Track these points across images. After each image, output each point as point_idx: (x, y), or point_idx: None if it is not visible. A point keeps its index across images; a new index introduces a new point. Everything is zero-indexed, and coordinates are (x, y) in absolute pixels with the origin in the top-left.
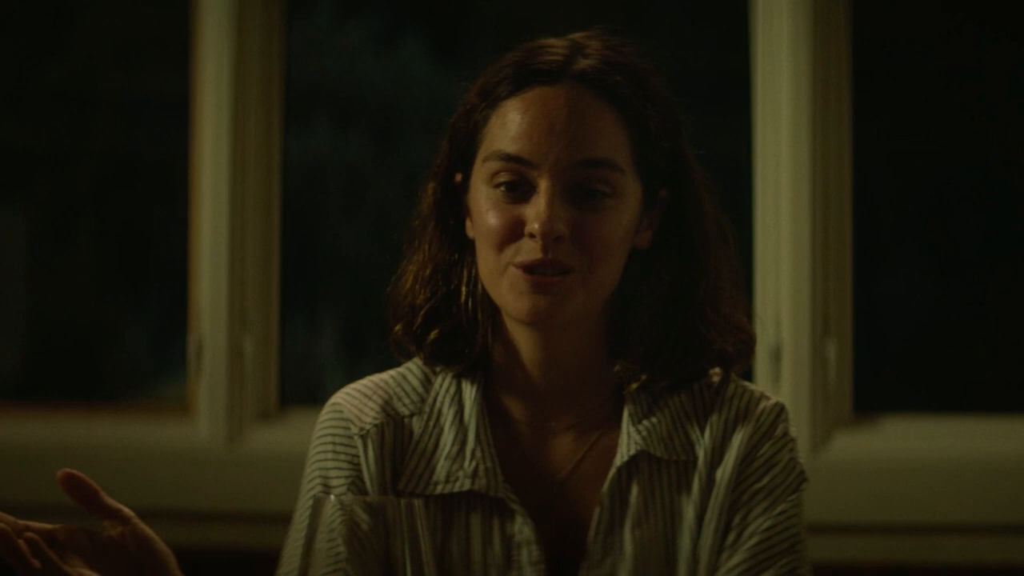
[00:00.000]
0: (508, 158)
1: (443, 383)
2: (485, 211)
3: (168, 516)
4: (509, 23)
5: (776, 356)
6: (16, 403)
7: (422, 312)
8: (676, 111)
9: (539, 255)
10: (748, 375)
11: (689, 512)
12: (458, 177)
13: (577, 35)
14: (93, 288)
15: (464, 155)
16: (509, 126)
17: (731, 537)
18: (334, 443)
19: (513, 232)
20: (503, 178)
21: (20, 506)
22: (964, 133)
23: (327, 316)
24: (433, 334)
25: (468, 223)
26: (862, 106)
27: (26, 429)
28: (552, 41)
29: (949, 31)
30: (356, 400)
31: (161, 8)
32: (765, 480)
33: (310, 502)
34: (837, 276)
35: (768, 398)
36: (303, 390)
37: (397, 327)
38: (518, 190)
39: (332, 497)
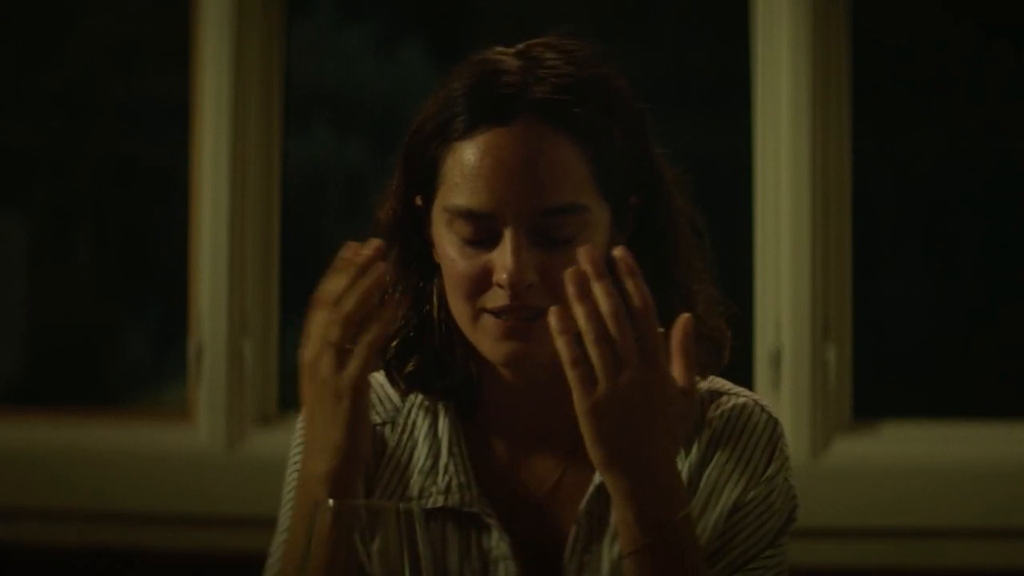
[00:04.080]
0: (469, 214)
1: (419, 394)
2: (451, 257)
3: (168, 520)
4: (510, 27)
5: (776, 360)
6: (16, 407)
7: (395, 342)
8: (640, 115)
9: (508, 301)
10: (748, 380)
11: None
12: (419, 200)
13: (533, 42)
14: (93, 291)
15: (423, 185)
16: (465, 174)
17: (728, 559)
18: None
19: (481, 281)
20: (465, 233)
21: (20, 510)
22: (964, 133)
23: None
24: (410, 365)
25: (435, 250)
26: (862, 106)
27: (26, 433)
28: (505, 59)
29: (949, 31)
30: None
31: (161, 10)
32: (762, 516)
33: (290, 510)
34: (837, 279)
35: (762, 410)
36: None
37: None
38: (481, 238)
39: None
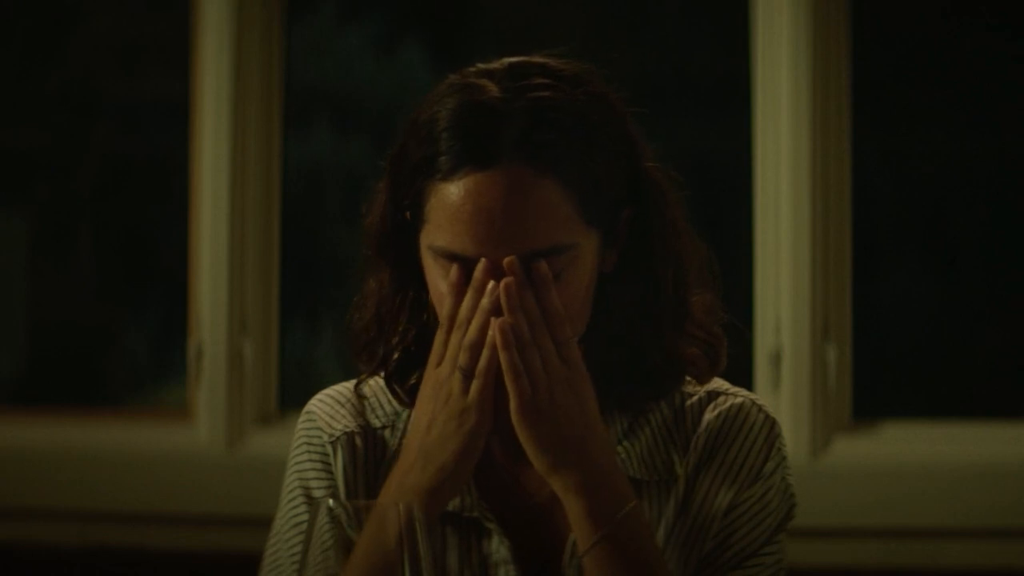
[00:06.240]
0: (453, 257)
1: None
2: (441, 291)
3: (168, 520)
4: (509, 28)
5: (776, 360)
6: (16, 407)
7: (395, 357)
8: (630, 130)
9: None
10: (748, 381)
11: (663, 531)
12: (408, 215)
13: (518, 62)
14: (93, 292)
15: (411, 208)
16: (448, 216)
17: (725, 556)
18: (309, 450)
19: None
20: (450, 271)
21: (20, 510)
22: (964, 133)
23: (327, 320)
24: (412, 379)
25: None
26: (862, 107)
27: (26, 433)
28: (488, 86)
29: (949, 31)
30: (328, 407)
31: (161, 11)
32: (759, 515)
33: (290, 511)
34: (837, 280)
35: (759, 410)
36: (303, 394)
37: (364, 374)
38: (468, 276)
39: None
